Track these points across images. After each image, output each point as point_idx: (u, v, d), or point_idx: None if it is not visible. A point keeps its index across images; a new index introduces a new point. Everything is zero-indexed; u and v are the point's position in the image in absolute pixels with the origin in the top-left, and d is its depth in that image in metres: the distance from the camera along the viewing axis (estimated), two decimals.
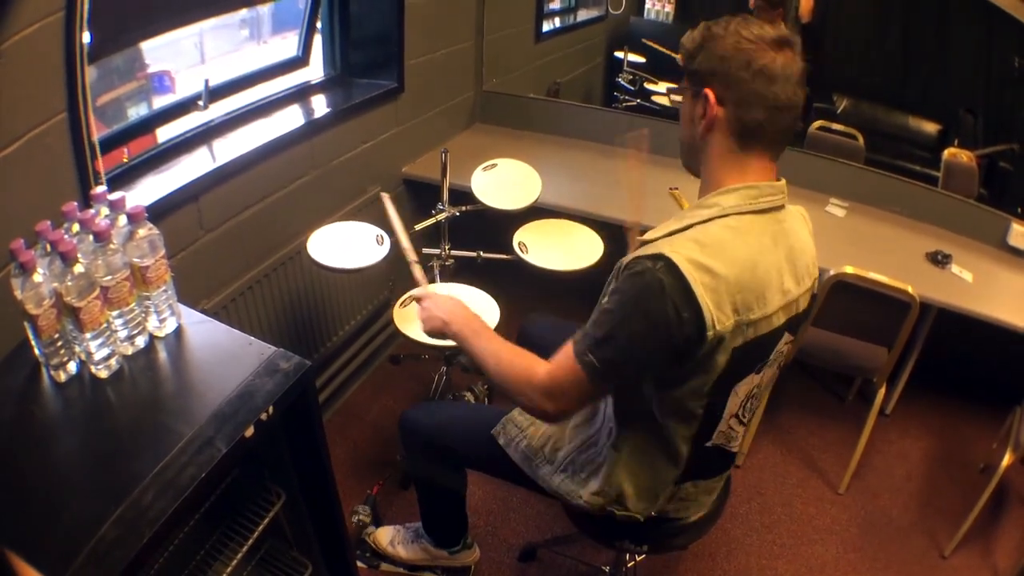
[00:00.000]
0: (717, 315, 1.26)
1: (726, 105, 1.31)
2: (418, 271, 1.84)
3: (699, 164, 1.42)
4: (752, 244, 1.33)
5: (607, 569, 2.22)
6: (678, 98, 1.44)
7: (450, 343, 2.04)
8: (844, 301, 2.45)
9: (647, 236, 1.38)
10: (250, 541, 1.57)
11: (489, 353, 1.55)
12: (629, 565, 2.11)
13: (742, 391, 1.46)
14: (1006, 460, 2.38)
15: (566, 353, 1.41)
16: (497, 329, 2.03)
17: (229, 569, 1.56)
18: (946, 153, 3.42)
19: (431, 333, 1.68)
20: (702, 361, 1.33)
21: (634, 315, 1.29)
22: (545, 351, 1.82)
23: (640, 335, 1.30)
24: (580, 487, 1.63)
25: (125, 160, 2.09)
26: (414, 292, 1.76)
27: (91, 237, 1.30)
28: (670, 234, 1.33)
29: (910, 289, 2.33)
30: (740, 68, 1.28)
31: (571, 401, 1.45)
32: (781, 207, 1.40)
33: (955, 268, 2.70)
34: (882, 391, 2.66)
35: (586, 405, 1.51)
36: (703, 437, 1.50)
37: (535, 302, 2.57)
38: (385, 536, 2.36)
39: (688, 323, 1.26)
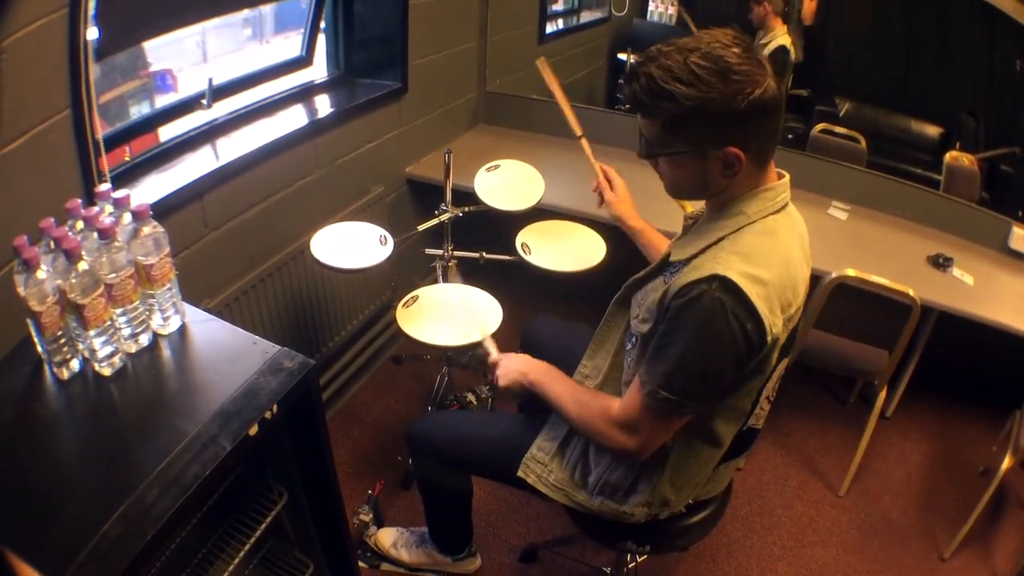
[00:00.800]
0: (772, 320, 1.30)
1: (749, 150, 1.30)
2: (490, 344, 1.90)
3: (708, 196, 1.43)
4: (782, 244, 1.37)
5: (608, 570, 2.22)
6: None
7: (454, 343, 2.05)
8: (846, 304, 2.45)
9: (677, 256, 1.41)
10: (252, 540, 1.57)
11: (568, 397, 1.61)
12: (630, 566, 2.11)
13: (775, 375, 1.51)
14: (1006, 463, 2.38)
15: (633, 393, 1.44)
16: (500, 330, 2.04)
17: (231, 568, 1.56)
18: (948, 156, 3.41)
19: (510, 387, 1.73)
20: (760, 364, 1.37)
21: (702, 340, 1.31)
22: (547, 354, 1.82)
23: (713, 357, 1.33)
24: (622, 504, 1.64)
25: (127, 159, 2.09)
26: (490, 359, 1.84)
27: (95, 234, 1.30)
28: (703, 250, 1.36)
29: (911, 292, 2.33)
30: (759, 115, 1.26)
31: (651, 435, 1.47)
32: (788, 202, 1.44)
33: (956, 271, 2.70)
34: (883, 394, 2.66)
35: (669, 435, 1.50)
36: (743, 425, 1.55)
37: (538, 303, 2.57)
38: (387, 538, 2.36)
39: (752, 334, 1.29)
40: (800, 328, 1.52)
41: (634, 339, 1.53)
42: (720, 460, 1.62)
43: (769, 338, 1.31)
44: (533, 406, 1.78)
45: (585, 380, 1.72)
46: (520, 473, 1.73)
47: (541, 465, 1.73)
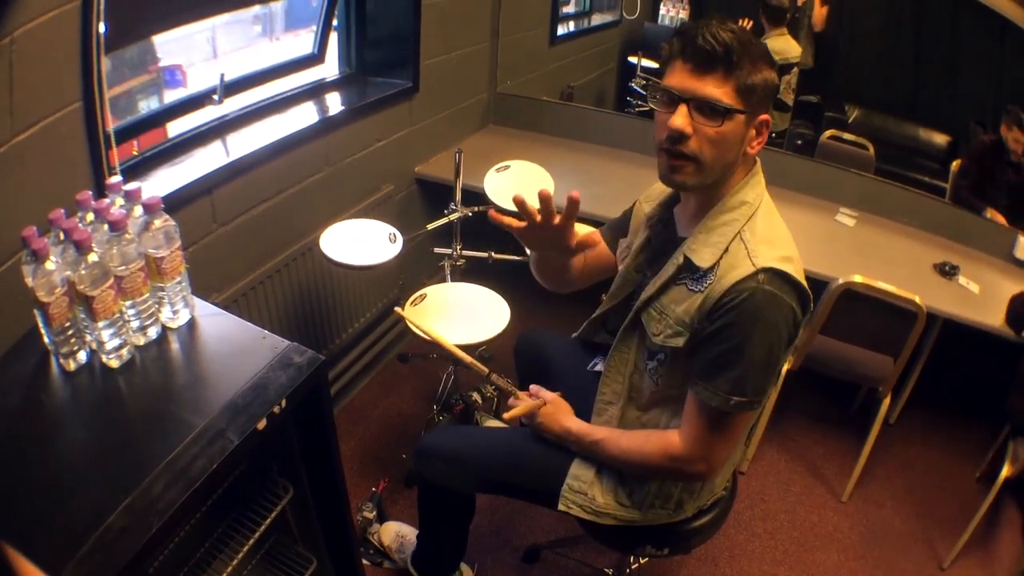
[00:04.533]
0: (808, 289, 1.36)
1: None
2: (509, 387, 1.81)
3: (721, 180, 1.41)
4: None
5: (610, 572, 2.22)
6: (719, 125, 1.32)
7: (461, 342, 2.04)
8: (852, 310, 2.45)
9: (700, 262, 1.39)
10: (256, 534, 1.56)
11: (619, 453, 1.57)
12: (632, 567, 2.11)
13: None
14: (1004, 472, 2.39)
15: (696, 415, 1.43)
16: (505, 331, 2.03)
17: (234, 562, 1.55)
18: (955, 165, 3.42)
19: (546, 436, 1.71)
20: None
21: (763, 334, 1.33)
22: (543, 363, 1.82)
23: (774, 348, 1.35)
24: (678, 511, 1.65)
25: (135, 153, 2.09)
26: (523, 415, 1.72)
27: (106, 226, 1.30)
28: (727, 249, 1.37)
29: (918, 299, 2.33)
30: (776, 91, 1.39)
31: (722, 450, 1.48)
32: None
33: (962, 280, 2.70)
34: (887, 401, 2.66)
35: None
36: None
37: (546, 304, 2.56)
38: (389, 536, 2.36)
39: (798, 309, 1.35)
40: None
41: (661, 356, 1.49)
42: None
43: (811, 305, 1.37)
44: None
45: (608, 407, 1.65)
46: (562, 507, 1.68)
47: (581, 495, 1.67)
